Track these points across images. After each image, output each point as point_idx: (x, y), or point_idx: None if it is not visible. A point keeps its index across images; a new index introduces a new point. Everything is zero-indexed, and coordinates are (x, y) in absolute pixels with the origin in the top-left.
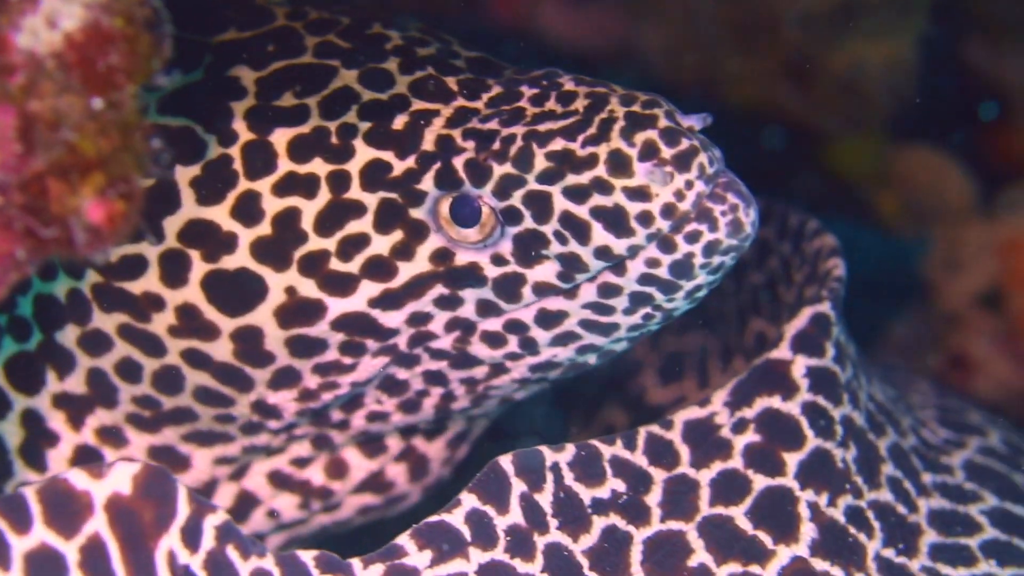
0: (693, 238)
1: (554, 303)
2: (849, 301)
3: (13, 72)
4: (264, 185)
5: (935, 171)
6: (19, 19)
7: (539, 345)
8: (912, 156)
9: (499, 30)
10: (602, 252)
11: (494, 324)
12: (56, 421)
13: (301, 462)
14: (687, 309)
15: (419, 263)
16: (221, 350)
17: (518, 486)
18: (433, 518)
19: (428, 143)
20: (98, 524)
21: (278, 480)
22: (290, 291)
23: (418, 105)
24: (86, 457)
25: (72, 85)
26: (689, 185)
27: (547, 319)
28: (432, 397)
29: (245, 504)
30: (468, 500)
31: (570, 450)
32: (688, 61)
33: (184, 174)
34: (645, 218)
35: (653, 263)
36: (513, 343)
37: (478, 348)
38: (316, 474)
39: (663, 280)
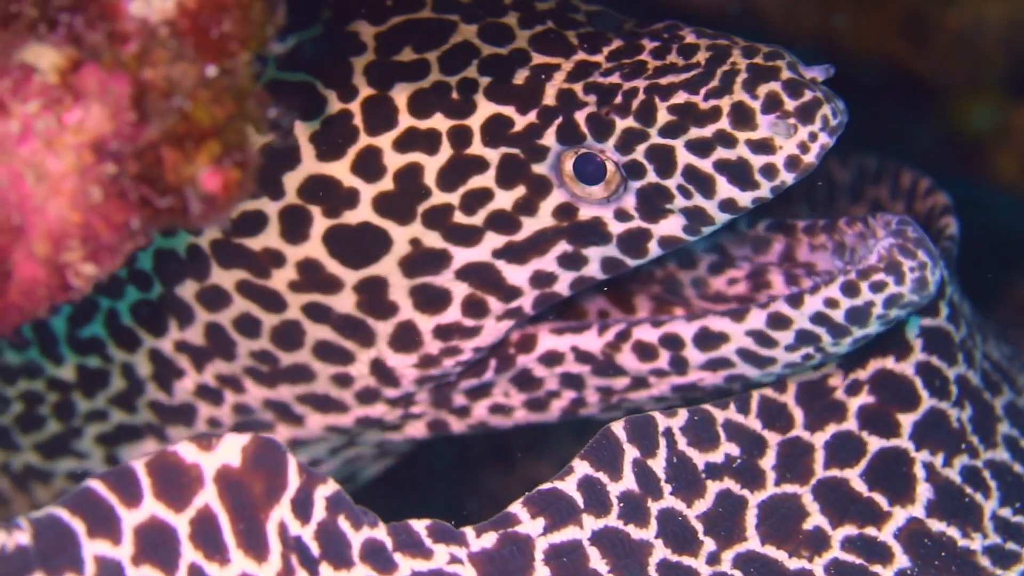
0: (878, 288)
1: (719, 324)
2: (969, 260)
3: (126, 40)
4: (385, 141)
5: None
6: None
7: (689, 366)
8: None
9: None
10: (727, 205)
11: (650, 335)
12: (181, 362)
13: (412, 441)
14: (844, 354)
15: (542, 218)
16: (344, 302)
17: (631, 452)
18: (546, 486)
19: (549, 97)
20: (208, 496)
21: (387, 443)
22: (415, 242)
23: (538, 59)
24: (207, 394)
25: (185, 53)
26: (813, 137)
27: (706, 339)
28: (562, 400)
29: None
30: (580, 467)
31: (683, 415)
32: (804, 16)
33: (303, 130)
34: (769, 171)
35: (832, 303)
36: (664, 359)
37: (626, 358)
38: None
39: (836, 323)
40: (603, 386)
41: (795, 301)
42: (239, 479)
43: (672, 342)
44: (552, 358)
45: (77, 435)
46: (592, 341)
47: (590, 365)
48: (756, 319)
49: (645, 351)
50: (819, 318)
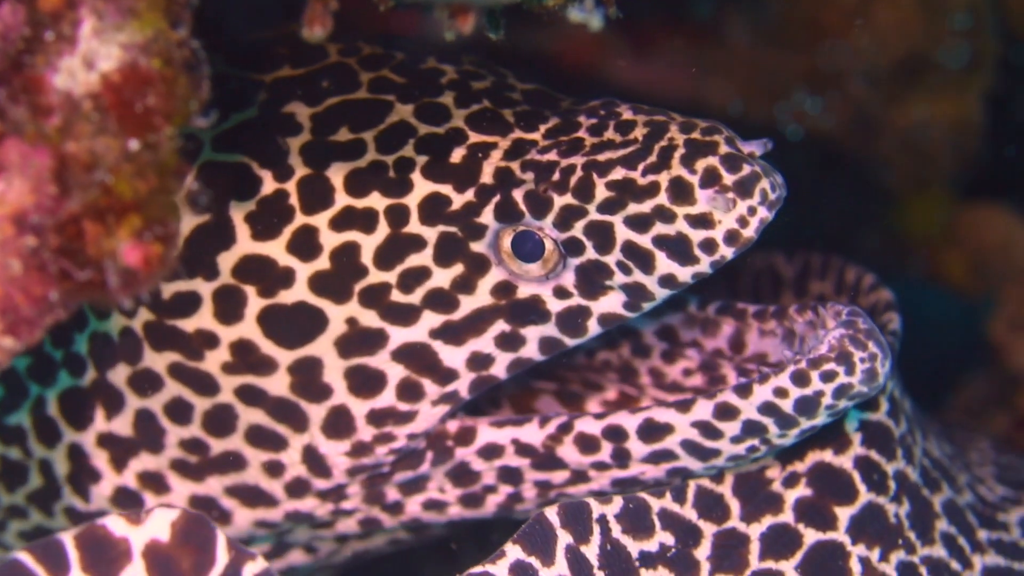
0: (828, 377)
1: (664, 415)
2: (915, 361)
3: (49, 113)
4: (322, 220)
5: (1003, 230)
6: (56, 60)
7: (632, 459)
8: (979, 215)
9: (567, 80)
10: (667, 280)
11: (592, 427)
12: (99, 460)
13: (343, 537)
14: (789, 446)
15: (480, 297)
16: (277, 384)
17: (564, 538)
18: (477, 569)
19: (487, 176)
20: (136, 571)
21: (317, 539)
22: (351, 322)
23: (475, 138)
24: (125, 499)
25: (108, 127)
26: (752, 211)
27: (651, 431)
28: (499, 495)
29: (283, 547)
30: (513, 551)
31: (618, 502)
32: (754, 114)
33: (239, 210)
34: (709, 245)
35: (781, 393)
36: (606, 451)
37: (567, 451)
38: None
39: (784, 414)
40: (542, 480)
41: (743, 391)
42: (167, 554)
43: (615, 434)
44: (492, 451)
45: (2, 528)
46: (533, 433)
47: (530, 458)
48: (703, 410)
49: (587, 443)
50: (767, 408)
